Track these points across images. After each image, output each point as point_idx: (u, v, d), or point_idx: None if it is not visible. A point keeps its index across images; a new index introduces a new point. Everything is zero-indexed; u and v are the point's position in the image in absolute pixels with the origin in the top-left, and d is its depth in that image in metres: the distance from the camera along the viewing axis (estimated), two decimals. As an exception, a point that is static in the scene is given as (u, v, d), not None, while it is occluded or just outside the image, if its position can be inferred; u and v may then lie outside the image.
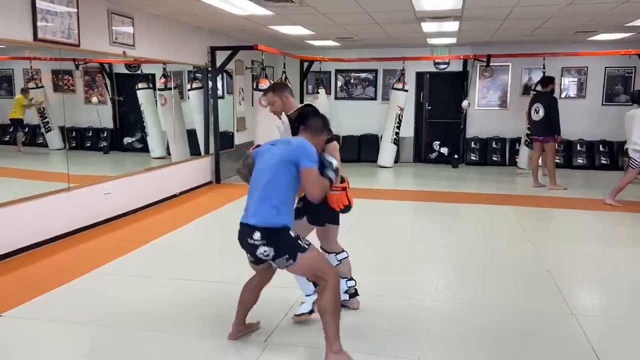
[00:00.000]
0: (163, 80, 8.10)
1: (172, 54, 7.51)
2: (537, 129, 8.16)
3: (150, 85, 8.27)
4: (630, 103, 8.17)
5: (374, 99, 11.35)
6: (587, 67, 10.32)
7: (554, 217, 6.52)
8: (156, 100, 8.32)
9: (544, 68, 9.42)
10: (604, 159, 9.95)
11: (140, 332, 3.21)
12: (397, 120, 10.31)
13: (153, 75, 8.26)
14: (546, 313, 3.53)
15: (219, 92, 8.92)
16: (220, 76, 8.90)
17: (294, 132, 3.19)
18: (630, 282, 4.23)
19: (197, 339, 3.14)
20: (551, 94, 8.20)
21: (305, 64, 10.87)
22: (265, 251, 2.70)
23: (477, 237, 5.53)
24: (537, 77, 10.06)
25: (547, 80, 8.27)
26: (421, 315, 3.51)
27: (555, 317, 3.45)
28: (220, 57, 8.50)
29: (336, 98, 11.53)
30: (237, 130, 9.71)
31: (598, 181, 8.08)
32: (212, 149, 8.69)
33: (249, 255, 2.86)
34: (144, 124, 8.29)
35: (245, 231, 2.77)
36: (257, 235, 2.69)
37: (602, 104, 10.29)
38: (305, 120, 3.05)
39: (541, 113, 8.02)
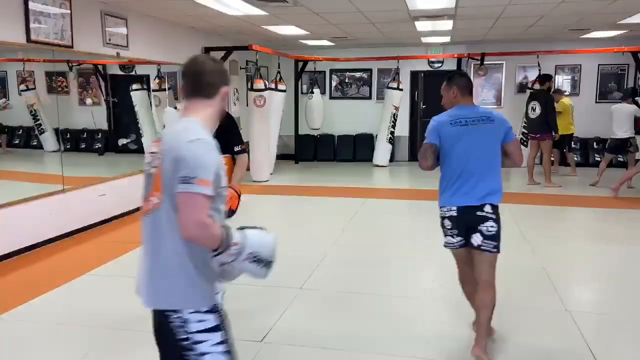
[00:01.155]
0: (157, 81, 8.08)
1: (166, 55, 7.50)
2: (534, 126, 8.18)
3: (145, 87, 8.25)
4: (620, 100, 8.22)
5: (369, 98, 11.37)
6: (580, 64, 10.36)
7: (549, 214, 6.55)
8: (151, 102, 8.30)
9: (538, 66, 9.46)
10: (598, 156, 9.99)
11: (136, 334, 3.20)
12: (392, 119, 10.33)
13: (147, 76, 8.24)
14: (541, 310, 3.54)
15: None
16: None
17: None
18: (624, 278, 4.25)
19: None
20: (548, 92, 8.23)
21: (300, 64, 10.86)
22: (492, 226, 2.69)
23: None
24: (531, 75, 10.11)
25: (544, 78, 8.31)
26: (417, 313, 3.52)
27: (550, 314, 3.46)
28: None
29: (331, 98, 11.53)
30: (232, 131, 9.68)
31: (592, 178, 8.11)
32: (207, 150, 8.67)
33: (459, 239, 2.76)
34: (139, 125, 8.26)
35: (470, 209, 2.71)
36: (488, 208, 2.70)
37: (596, 102, 10.33)
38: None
39: (538, 111, 8.04)
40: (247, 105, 9.39)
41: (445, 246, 2.85)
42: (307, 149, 11.35)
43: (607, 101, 10.17)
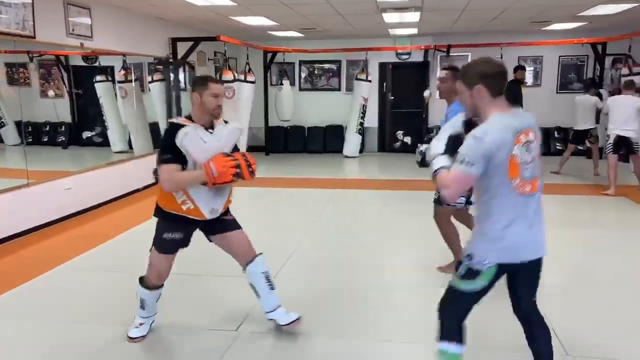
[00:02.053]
0: (123, 72, 7.92)
1: (131, 46, 7.35)
2: None
3: (110, 78, 8.08)
4: (583, 91, 8.52)
5: (338, 89, 11.43)
6: (542, 56, 10.66)
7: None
8: (116, 93, 8.14)
9: (501, 57, 9.67)
10: (559, 144, 10.33)
11: (107, 327, 3.18)
12: (362, 110, 10.42)
13: (112, 68, 8.07)
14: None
15: (181, 84, 8.80)
16: (182, 68, 8.78)
17: None
18: (587, 261, 4.44)
19: (167, 329, 3.14)
20: (516, 82, 8.44)
21: (269, 55, 10.83)
22: None
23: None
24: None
25: (516, 68, 8.54)
26: (393, 299, 3.60)
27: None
28: (182, 48, 8.38)
29: (301, 89, 11.54)
30: (201, 123, 9.60)
31: (554, 167, 8.39)
32: (176, 142, 8.57)
33: None
34: (104, 118, 8.09)
35: None
36: None
37: (557, 92, 10.66)
38: None
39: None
40: (216, 97, 9.32)
41: None
42: (277, 141, 11.34)
43: (568, 91, 10.52)
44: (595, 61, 10.05)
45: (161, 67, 8.40)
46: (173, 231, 2.81)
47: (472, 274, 2.13)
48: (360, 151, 10.85)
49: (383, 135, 11.45)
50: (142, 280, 2.97)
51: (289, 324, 3.03)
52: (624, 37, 8.81)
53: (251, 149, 10.43)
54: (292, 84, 11.20)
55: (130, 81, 8.05)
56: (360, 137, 10.65)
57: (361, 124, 10.49)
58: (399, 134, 11.15)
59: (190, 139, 2.63)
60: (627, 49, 8.80)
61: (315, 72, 11.53)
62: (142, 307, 2.99)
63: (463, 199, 3.81)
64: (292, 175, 8.73)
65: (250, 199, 7.43)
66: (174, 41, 8.33)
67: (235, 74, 8.86)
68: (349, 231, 5.43)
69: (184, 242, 2.89)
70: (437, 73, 10.97)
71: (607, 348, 2.89)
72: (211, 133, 2.76)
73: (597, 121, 8.23)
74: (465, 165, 2.02)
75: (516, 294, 2.31)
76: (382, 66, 11.22)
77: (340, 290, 3.78)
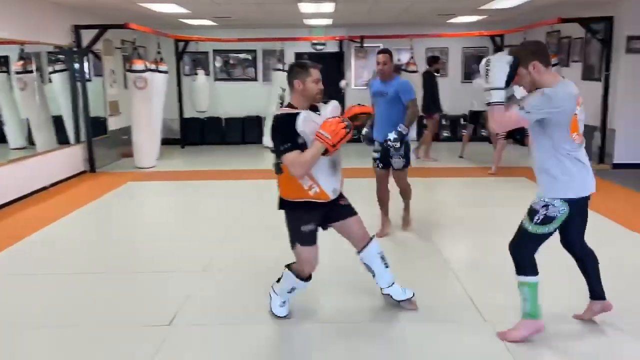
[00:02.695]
0: (21, 62, 7.31)
1: (28, 34, 6.79)
2: (422, 106, 8.82)
3: (4, 69, 7.43)
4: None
5: (255, 79, 11.33)
6: (448, 47, 11.25)
7: (429, 185, 7.12)
8: (12, 85, 7.50)
9: (411, 49, 10.10)
10: (465, 132, 10.98)
11: (29, 330, 2.98)
12: (280, 100, 10.40)
13: (6, 58, 7.42)
14: (427, 267, 3.90)
15: (87, 75, 8.29)
16: (86, 57, 8.27)
17: None
18: (493, 237, 4.80)
19: (95, 329, 3.01)
20: (435, 72, 8.85)
21: (181, 44, 10.48)
22: None
23: (367, 206, 5.87)
24: (404, 57, 10.75)
25: (431, 59, 8.93)
26: (321, 282, 3.68)
27: (435, 271, 3.83)
28: (87, 36, 7.88)
29: (216, 79, 11.30)
30: (110, 115, 9.12)
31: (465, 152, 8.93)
32: (83, 136, 8.08)
33: None
34: (-1, 111, 7.45)
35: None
36: None
37: (462, 82, 11.31)
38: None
39: (422, 92, 8.67)
40: (126, 87, 8.89)
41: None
42: (193, 133, 11.04)
43: (471, 81, 11.19)
44: (495, 52, 10.78)
45: (63, 56, 7.85)
46: (308, 222, 2.92)
47: (548, 220, 2.62)
48: (280, 141, 10.83)
49: (301, 125, 11.51)
50: (292, 269, 3.02)
51: (404, 300, 3.18)
52: (519, 30, 9.54)
53: (166, 141, 10.09)
54: (207, 74, 10.93)
55: (30, 72, 7.45)
56: (279, 127, 10.63)
57: (279, 114, 10.47)
58: (317, 123, 11.28)
59: (307, 123, 2.74)
60: (523, 40, 9.53)
61: (231, 61, 11.35)
62: (291, 292, 3.07)
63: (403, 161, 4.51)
64: (211, 168, 8.57)
65: (171, 193, 7.21)
66: (77, 28, 7.82)
67: (147, 64, 8.50)
68: (276, 219, 5.42)
69: (317, 230, 2.99)
70: (352, 63, 11.26)
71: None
72: (318, 114, 2.87)
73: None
74: (523, 112, 2.48)
75: (570, 234, 2.80)
76: (298, 56, 11.24)
77: (272, 277, 3.80)
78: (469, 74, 11.23)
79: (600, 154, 8.07)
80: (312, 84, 2.81)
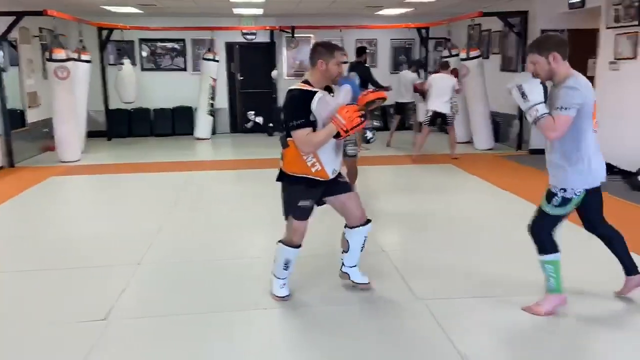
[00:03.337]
0: None
1: None
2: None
3: None
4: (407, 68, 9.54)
5: (184, 69, 11.06)
6: (376, 38, 11.52)
7: (365, 173, 7.32)
8: None
9: (341, 40, 10.26)
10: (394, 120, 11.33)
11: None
12: (211, 91, 10.25)
13: None
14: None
15: (2, 65, 7.76)
16: (1, 46, 7.74)
17: None
18: (423, 220, 5.05)
19: (26, 328, 2.90)
20: (364, 63, 9.03)
21: (105, 32, 10.02)
22: None
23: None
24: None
25: (360, 50, 9.09)
26: (259, 271, 3.72)
27: (371, 255, 3.98)
28: (1, 24, 7.37)
29: (143, 69, 10.92)
30: (28, 107, 8.60)
31: (392, 141, 9.23)
32: (0, 129, 7.58)
33: None
34: None
35: None
36: None
37: (390, 72, 11.62)
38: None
39: (357, 81, 8.82)
40: (46, 77, 8.40)
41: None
42: (120, 125, 10.64)
43: (399, 72, 11.55)
44: (421, 44, 11.19)
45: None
46: (305, 199, 2.99)
47: (565, 201, 2.82)
48: (213, 133, 10.71)
49: (234, 115, 11.42)
50: (283, 241, 3.11)
51: (360, 284, 3.31)
52: (443, 23, 9.95)
53: (91, 134, 9.67)
54: (134, 63, 10.55)
55: None
56: (212, 118, 10.49)
57: (212, 105, 10.32)
58: (251, 114, 11.20)
59: (322, 102, 2.81)
60: (447, 33, 9.97)
61: (158, 51, 11.01)
62: (286, 267, 3.12)
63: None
64: (140, 160, 8.31)
65: (98, 187, 6.95)
66: (-11, 14, 7.30)
67: (68, 53, 8.08)
68: (209, 211, 5.41)
69: (314, 206, 3.07)
70: (284, 53, 11.26)
71: (449, 289, 3.38)
72: (332, 96, 2.93)
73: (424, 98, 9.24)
74: (566, 111, 2.62)
75: (589, 217, 3.00)
76: (229, 46, 11.13)
77: (208, 268, 3.80)
78: (397, 65, 11.57)
79: (518, 141, 8.62)
80: (334, 66, 2.89)
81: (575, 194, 2.80)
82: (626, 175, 6.35)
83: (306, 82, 2.94)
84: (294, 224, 3.05)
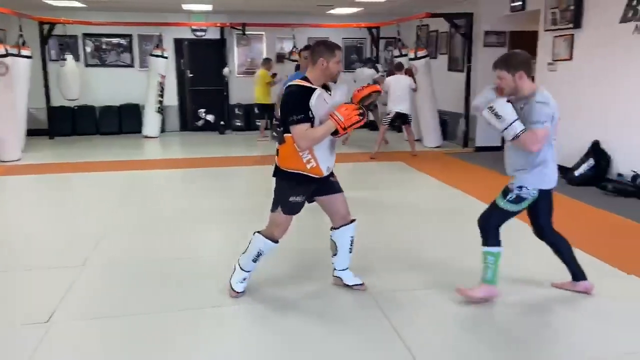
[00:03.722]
0: None
1: None
2: None
3: None
4: (362, 65, 9.68)
5: (131, 66, 10.77)
6: (329, 37, 11.59)
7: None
8: None
9: (293, 38, 10.28)
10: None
11: None
12: (160, 88, 10.03)
13: None
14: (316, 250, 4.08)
15: None
16: None
17: None
18: (374, 217, 5.14)
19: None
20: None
21: (46, 27, 9.60)
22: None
23: (249, 194, 5.95)
24: (287, 46, 10.92)
25: (306, 49, 9.09)
26: (210, 270, 3.70)
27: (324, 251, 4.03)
28: None
29: (87, 65, 10.56)
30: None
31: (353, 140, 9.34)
32: None
33: None
34: None
35: None
36: None
37: (343, 71, 11.73)
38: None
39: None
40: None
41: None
42: (63, 123, 10.24)
43: (351, 70, 11.68)
44: (372, 43, 11.37)
45: None
46: (298, 194, 3.01)
47: (519, 199, 2.96)
48: (162, 131, 10.48)
49: (184, 113, 11.22)
50: (263, 233, 3.09)
51: (353, 285, 3.32)
52: (392, 22, 10.15)
53: (31, 132, 9.26)
54: (77, 59, 10.17)
55: None
56: (160, 116, 10.26)
57: (160, 102, 10.10)
58: (201, 112, 11.04)
59: (320, 100, 2.85)
60: (397, 33, 10.18)
61: (104, 46, 10.66)
62: (256, 260, 3.12)
63: None
64: (85, 160, 8.03)
65: (40, 187, 6.67)
66: None
67: (7, 48, 7.71)
68: (157, 209, 5.30)
69: (304, 203, 3.08)
70: (235, 51, 11.16)
71: (396, 281, 3.47)
72: (330, 94, 2.95)
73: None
74: (544, 124, 2.81)
75: (540, 222, 3.14)
76: (178, 42, 10.92)
77: (157, 267, 3.74)
78: (349, 64, 11.70)
79: (464, 139, 8.91)
80: (335, 64, 2.93)
81: (530, 194, 2.95)
82: (563, 170, 6.70)
83: (305, 79, 2.97)
84: (280, 218, 3.05)
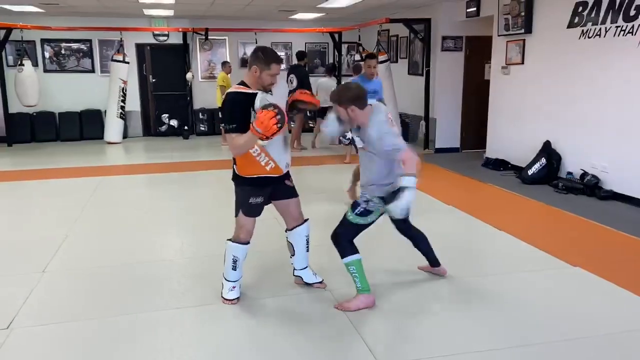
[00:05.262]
0: None
1: None
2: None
3: None
4: (324, 74, 9.76)
5: (92, 71, 10.61)
6: (291, 42, 11.71)
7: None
8: None
9: (256, 42, 10.34)
10: (312, 122, 11.59)
11: None
12: (121, 93, 9.92)
13: None
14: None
15: None
16: None
17: None
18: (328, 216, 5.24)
19: None
20: (304, 67, 9.18)
21: (2, 32, 9.38)
22: None
23: (214, 198, 5.98)
24: (250, 50, 10.95)
25: (301, 54, 9.25)
26: (170, 272, 3.73)
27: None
28: None
29: (46, 70, 10.35)
30: None
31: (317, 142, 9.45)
32: None
33: None
34: None
35: None
36: None
37: (311, 75, 11.83)
38: None
39: (295, 83, 8.97)
40: None
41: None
42: (21, 130, 10.00)
43: (315, 75, 11.81)
44: (334, 48, 11.53)
45: None
46: (257, 196, 3.08)
47: (367, 212, 3.09)
48: (124, 136, 10.36)
49: (147, 119, 11.11)
50: (232, 239, 3.14)
51: (313, 283, 3.41)
52: (354, 27, 10.34)
53: (-12, 140, 9.02)
54: (35, 64, 9.97)
55: None
56: (123, 121, 10.14)
57: (122, 107, 9.98)
58: (165, 117, 10.97)
59: (264, 102, 2.86)
60: (357, 37, 10.36)
61: (63, 52, 10.47)
62: (234, 267, 3.15)
63: None
64: (45, 167, 7.88)
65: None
66: None
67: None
68: (120, 215, 5.28)
69: (265, 203, 3.17)
70: (198, 55, 11.14)
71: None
72: (271, 94, 2.99)
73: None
74: (405, 146, 2.88)
75: (398, 224, 3.38)
76: (140, 47, 10.82)
77: (118, 272, 3.75)
78: (313, 68, 11.83)
79: (425, 141, 9.15)
80: (267, 77, 2.93)
81: (377, 207, 3.08)
82: (517, 170, 6.99)
83: (243, 83, 3.00)
84: (243, 220, 3.12)
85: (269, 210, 3.30)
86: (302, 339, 2.81)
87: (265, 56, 2.93)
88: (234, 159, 3.10)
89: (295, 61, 9.66)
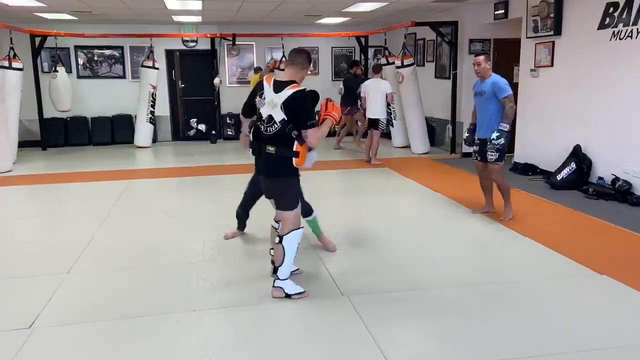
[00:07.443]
0: None
1: None
2: (343, 103, 9.35)
3: None
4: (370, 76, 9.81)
5: (123, 77, 10.88)
6: (318, 47, 11.74)
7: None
8: None
9: (283, 48, 10.41)
10: (337, 127, 11.59)
11: None
12: (151, 98, 10.13)
13: None
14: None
15: None
16: None
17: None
18: (357, 219, 5.23)
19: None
20: (356, 76, 9.46)
21: (38, 39, 9.72)
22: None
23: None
24: (277, 55, 11.03)
25: (351, 63, 9.64)
26: (194, 274, 3.77)
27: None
28: None
29: (79, 77, 10.67)
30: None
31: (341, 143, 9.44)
32: None
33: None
34: None
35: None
36: None
37: (332, 79, 11.87)
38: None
39: (343, 90, 9.47)
40: (-26, 86, 8.06)
41: None
42: (55, 134, 10.33)
43: (341, 79, 11.80)
44: (361, 52, 11.51)
45: None
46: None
47: None
48: (154, 141, 10.58)
49: (176, 123, 11.32)
50: (293, 230, 3.23)
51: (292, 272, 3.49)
52: (380, 31, 10.29)
53: (24, 144, 9.36)
54: (69, 71, 10.29)
55: None
56: (152, 126, 10.36)
57: (152, 112, 10.20)
58: (193, 121, 11.16)
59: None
60: (384, 41, 10.31)
61: (95, 58, 10.78)
62: (295, 254, 3.31)
63: None
64: (77, 170, 8.11)
65: (30, 197, 6.74)
66: None
67: (-2, 60, 7.81)
68: (147, 218, 5.37)
69: None
70: (225, 61, 11.29)
71: (376, 285, 3.56)
72: None
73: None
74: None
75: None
76: (170, 53, 11.04)
77: (142, 274, 3.81)
78: (338, 72, 11.83)
79: (452, 145, 9.02)
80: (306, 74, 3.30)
81: None
82: (546, 175, 6.81)
83: (294, 82, 3.18)
84: (298, 208, 3.29)
85: (269, 210, 3.30)
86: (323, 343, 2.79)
87: (310, 57, 3.32)
88: (297, 153, 3.14)
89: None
